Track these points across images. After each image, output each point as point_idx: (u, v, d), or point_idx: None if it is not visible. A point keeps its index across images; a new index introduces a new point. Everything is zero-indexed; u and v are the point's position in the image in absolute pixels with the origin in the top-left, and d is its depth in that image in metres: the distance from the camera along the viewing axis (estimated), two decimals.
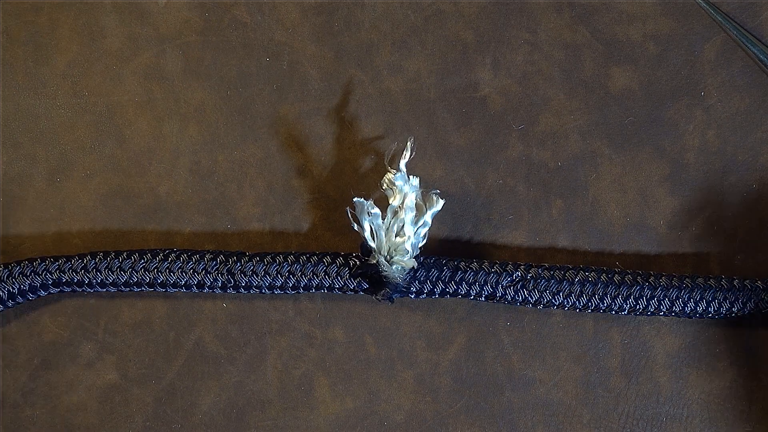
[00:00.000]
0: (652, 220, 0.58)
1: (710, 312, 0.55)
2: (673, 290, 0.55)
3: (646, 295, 0.55)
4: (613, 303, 0.55)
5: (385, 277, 0.55)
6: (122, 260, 0.56)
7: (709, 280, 0.55)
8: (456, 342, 0.59)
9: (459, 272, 0.56)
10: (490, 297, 0.56)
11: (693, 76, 0.58)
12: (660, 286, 0.55)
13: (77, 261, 0.56)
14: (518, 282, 0.56)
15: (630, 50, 0.59)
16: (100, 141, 0.60)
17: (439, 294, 0.56)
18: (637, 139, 0.58)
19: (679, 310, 0.55)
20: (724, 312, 0.55)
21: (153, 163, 0.59)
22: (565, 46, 0.59)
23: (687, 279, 0.56)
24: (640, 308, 0.55)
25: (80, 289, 0.57)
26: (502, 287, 0.56)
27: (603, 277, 0.56)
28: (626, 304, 0.55)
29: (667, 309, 0.55)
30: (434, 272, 0.56)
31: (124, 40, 0.60)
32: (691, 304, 0.55)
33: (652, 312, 0.55)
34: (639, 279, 0.56)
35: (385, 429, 0.59)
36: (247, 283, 0.56)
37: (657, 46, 0.58)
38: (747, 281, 0.55)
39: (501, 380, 0.58)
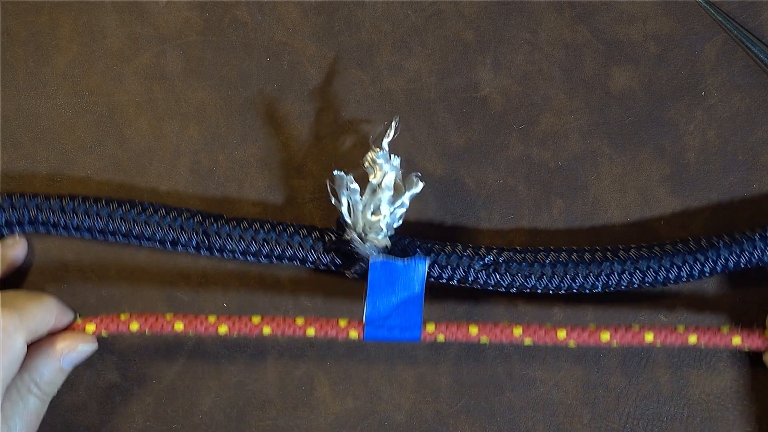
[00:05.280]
0: (652, 220, 0.58)
1: (670, 278, 0.55)
2: (642, 261, 0.55)
3: (617, 270, 0.55)
4: (585, 282, 0.55)
5: (358, 254, 0.54)
6: (100, 207, 0.57)
7: (677, 245, 0.55)
8: (456, 342, 0.58)
9: (432, 255, 0.56)
10: (463, 281, 0.56)
11: (693, 76, 0.58)
12: (629, 259, 0.55)
13: (55, 201, 0.57)
14: (490, 266, 0.56)
15: (630, 50, 0.59)
16: (101, 141, 0.60)
17: None
18: (637, 139, 0.58)
19: (652, 280, 0.55)
20: (685, 276, 0.55)
21: (153, 162, 0.59)
22: (566, 45, 0.59)
23: (656, 248, 0.56)
24: (612, 284, 0.55)
25: (54, 231, 0.57)
26: (474, 271, 0.56)
27: (573, 256, 0.55)
28: (599, 282, 0.55)
29: (639, 281, 0.55)
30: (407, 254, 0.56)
31: (124, 40, 0.60)
32: (663, 272, 0.55)
33: (626, 286, 0.55)
34: (609, 255, 0.55)
35: (385, 429, 0.59)
36: (221, 245, 0.56)
37: (657, 46, 0.59)
38: (714, 239, 0.55)
39: (501, 380, 0.58)
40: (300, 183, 0.59)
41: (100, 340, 0.58)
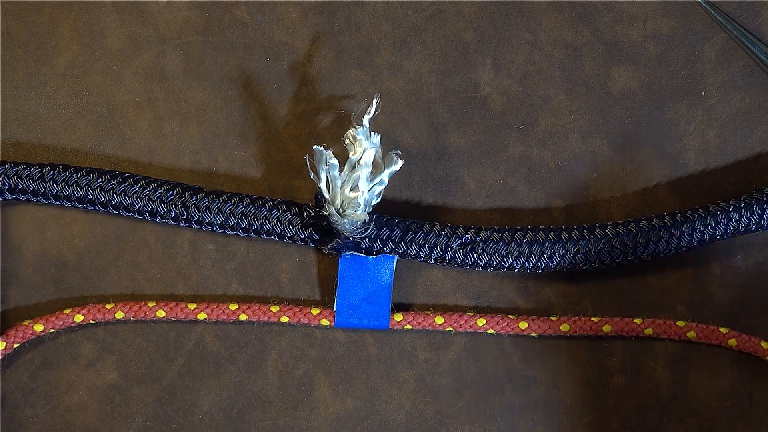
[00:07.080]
0: None
1: (647, 254, 0.55)
2: (618, 239, 0.55)
3: (594, 248, 0.55)
4: (562, 261, 0.56)
5: (336, 229, 0.54)
6: (80, 176, 0.57)
7: (652, 221, 0.56)
8: (456, 342, 0.59)
9: (410, 233, 0.56)
10: (440, 259, 0.56)
11: (693, 76, 0.58)
12: (605, 237, 0.56)
13: (35, 170, 0.57)
14: (468, 245, 0.56)
15: (630, 50, 0.59)
16: (101, 141, 0.60)
17: (388, 254, 0.56)
18: (637, 139, 0.59)
19: (632, 256, 0.56)
20: (661, 251, 0.56)
21: (153, 163, 0.59)
22: (566, 46, 0.59)
23: (632, 224, 0.56)
24: (590, 262, 0.56)
25: (35, 199, 0.57)
26: (451, 250, 0.56)
27: (551, 235, 0.56)
28: (576, 260, 0.56)
29: (616, 258, 0.56)
30: (385, 231, 0.56)
31: (124, 40, 0.60)
32: (640, 249, 0.55)
33: (603, 264, 0.56)
34: (585, 233, 0.56)
35: (385, 429, 0.59)
36: (199, 218, 0.57)
37: (657, 46, 0.59)
38: (688, 212, 0.56)
39: (501, 380, 0.58)
40: (300, 183, 0.59)
41: (101, 341, 0.58)
